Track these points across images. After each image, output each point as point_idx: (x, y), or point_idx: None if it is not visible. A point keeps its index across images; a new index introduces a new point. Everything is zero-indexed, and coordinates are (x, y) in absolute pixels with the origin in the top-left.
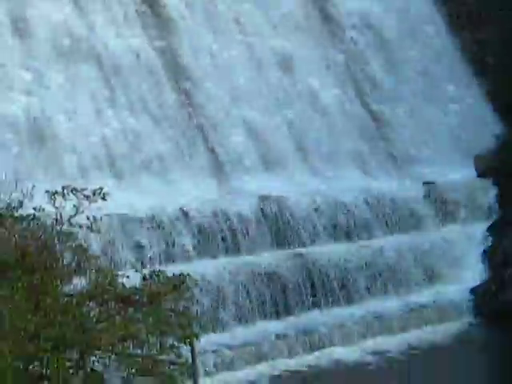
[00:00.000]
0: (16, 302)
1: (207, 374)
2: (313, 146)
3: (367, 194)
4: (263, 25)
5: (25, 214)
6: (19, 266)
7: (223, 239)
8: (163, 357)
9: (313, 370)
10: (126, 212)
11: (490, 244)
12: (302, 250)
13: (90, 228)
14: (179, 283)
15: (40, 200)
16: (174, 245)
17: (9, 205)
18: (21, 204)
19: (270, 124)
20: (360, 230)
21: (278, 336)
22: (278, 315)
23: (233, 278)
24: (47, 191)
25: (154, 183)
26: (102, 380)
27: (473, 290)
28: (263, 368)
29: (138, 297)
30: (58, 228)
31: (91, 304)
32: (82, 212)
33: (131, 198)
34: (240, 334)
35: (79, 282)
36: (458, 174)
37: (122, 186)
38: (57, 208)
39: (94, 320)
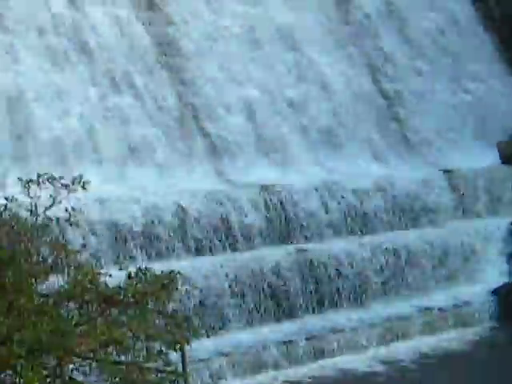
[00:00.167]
0: None
1: None
2: (318, 130)
3: (377, 183)
4: None
5: None
6: None
7: (218, 234)
8: (150, 364)
9: (317, 381)
10: (109, 203)
11: None
12: (307, 246)
13: (68, 220)
14: (168, 282)
15: (12, 189)
16: (163, 240)
17: None
18: None
19: (271, 105)
20: (370, 224)
21: (278, 342)
22: (278, 319)
23: (229, 276)
24: (20, 179)
25: (141, 171)
26: None
27: (495, 291)
28: (262, 378)
29: (122, 297)
30: (33, 220)
31: (70, 305)
32: (60, 203)
33: (115, 188)
34: (236, 339)
35: (56, 280)
36: (479, 161)
37: (104, 174)
38: (31, 198)
39: (73, 323)
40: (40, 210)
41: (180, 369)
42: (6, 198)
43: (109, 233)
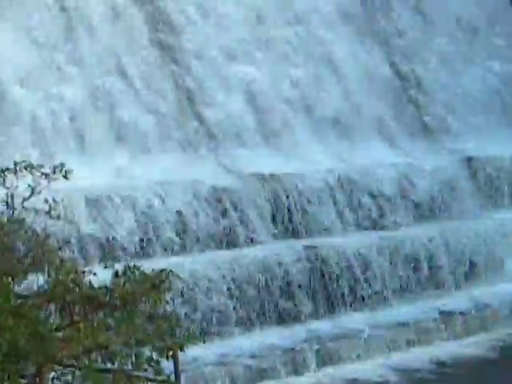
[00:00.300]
0: None
1: None
2: (326, 113)
3: (393, 173)
4: None
5: None
6: None
7: (216, 228)
8: (139, 372)
9: None
10: (94, 194)
11: None
12: (314, 242)
13: (48, 213)
14: (159, 281)
15: None
16: (155, 236)
17: None
18: None
19: (273, 87)
20: (383, 218)
21: (281, 349)
22: (281, 322)
23: (226, 275)
24: None
25: (129, 159)
26: None
27: None
28: None
29: (108, 298)
30: (10, 213)
31: (50, 306)
32: (39, 193)
33: (101, 177)
34: (235, 345)
35: (36, 280)
36: (505, 149)
37: (88, 162)
38: (7, 188)
39: (54, 326)
40: (17, 202)
41: (172, 378)
42: None
43: (94, 227)
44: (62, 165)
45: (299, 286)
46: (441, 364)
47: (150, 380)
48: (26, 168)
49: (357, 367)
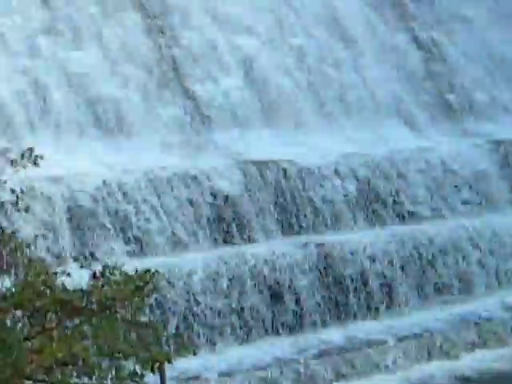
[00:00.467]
0: None
1: None
2: (335, 91)
3: (411, 159)
4: None
5: None
6: None
7: (207, 222)
8: None
9: None
10: (67, 183)
11: None
12: (320, 238)
13: (15, 205)
14: (143, 284)
15: None
16: (135, 229)
17: None
18: None
19: (274, 59)
20: (401, 210)
21: (283, 361)
22: (286, 331)
23: (221, 277)
24: None
25: (109, 143)
26: None
27: None
28: None
29: (84, 303)
30: None
31: (18, 313)
32: (5, 183)
33: (76, 164)
34: (232, 356)
35: (1, 282)
36: None
37: (61, 146)
38: None
39: (23, 335)
40: None
41: None
42: None
43: (68, 219)
44: (31, 149)
45: (303, 288)
46: (464, 379)
47: None
48: None
49: (373, 381)
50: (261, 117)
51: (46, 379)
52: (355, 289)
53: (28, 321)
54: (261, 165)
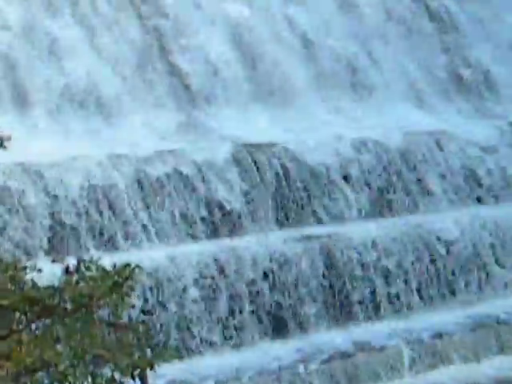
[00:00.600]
0: None
1: None
2: (336, 64)
3: (422, 140)
4: None
5: None
6: None
7: (191, 213)
8: None
9: None
10: (42, 168)
11: None
12: (321, 231)
13: None
14: (122, 279)
15: None
16: (117, 221)
17: None
18: None
19: (267, 27)
20: (414, 199)
21: (279, 368)
22: (283, 333)
23: (210, 272)
24: None
25: (85, 122)
26: None
27: None
28: None
29: (57, 301)
30: None
31: None
32: None
33: (50, 147)
34: (219, 363)
35: None
36: None
37: (34, 127)
38: None
39: None
40: None
41: None
42: None
43: (40, 210)
44: None
45: (301, 285)
46: None
47: None
48: None
49: None
50: (252, 93)
51: None
52: (358, 285)
53: None
54: (250, 147)
